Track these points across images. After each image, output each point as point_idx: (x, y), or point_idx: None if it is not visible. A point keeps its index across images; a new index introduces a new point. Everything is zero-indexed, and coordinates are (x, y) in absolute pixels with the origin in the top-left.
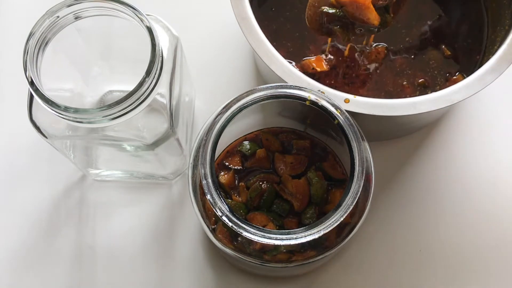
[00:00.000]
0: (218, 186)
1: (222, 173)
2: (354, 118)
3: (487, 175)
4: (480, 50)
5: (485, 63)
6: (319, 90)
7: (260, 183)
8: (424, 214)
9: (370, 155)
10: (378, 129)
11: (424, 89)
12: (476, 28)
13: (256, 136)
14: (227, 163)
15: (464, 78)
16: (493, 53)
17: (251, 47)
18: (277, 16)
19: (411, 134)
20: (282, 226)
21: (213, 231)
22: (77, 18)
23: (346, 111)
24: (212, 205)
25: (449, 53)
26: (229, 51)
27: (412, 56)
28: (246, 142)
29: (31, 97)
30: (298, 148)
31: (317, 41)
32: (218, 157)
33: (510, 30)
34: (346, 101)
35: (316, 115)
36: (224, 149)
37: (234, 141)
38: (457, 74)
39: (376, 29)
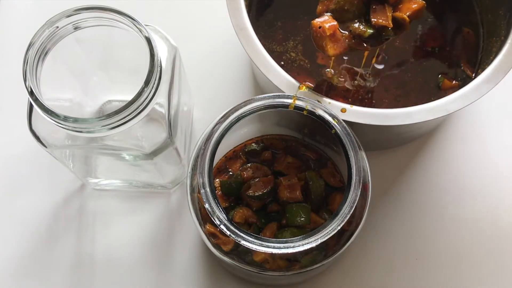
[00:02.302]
0: (216, 194)
1: (217, 180)
2: (351, 127)
3: (484, 183)
4: (475, 61)
5: (480, 73)
6: (316, 100)
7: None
8: (421, 223)
9: (367, 164)
10: (375, 139)
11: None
12: (472, 39)
13: (256, 142)
14: (227, 166)
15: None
16: (488, 63)
17: (249, 57)
18: (276, 26)
19: (408, 144)
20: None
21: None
22: (76, 28)
23: (343, 120)
24: (210, 214)
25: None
26: (227, 61)
27: (408, 68)
28: (253, 144)
29: (31, 106)
30: (297, 153)
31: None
32: (216, 164)
33: (506, 40)
34: (343, 110)
35: (313, 125)
36: (222, 156)
37: (232, 148)
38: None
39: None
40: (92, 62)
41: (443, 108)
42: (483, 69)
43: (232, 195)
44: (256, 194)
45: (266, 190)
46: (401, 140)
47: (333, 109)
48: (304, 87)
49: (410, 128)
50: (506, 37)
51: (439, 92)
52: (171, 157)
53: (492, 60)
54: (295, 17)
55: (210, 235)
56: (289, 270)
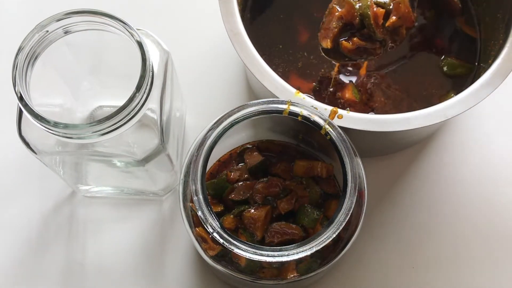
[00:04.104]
0: (208, 201)
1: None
2: (346, 133)
3: (482, 190)
4: (473, 66)
5: (478, 78)
6: (312, 106)
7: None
8: (417, 231)
9: (363, 171)
10: (371, 145)
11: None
12: (469, 43)
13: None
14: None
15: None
16: (487, 68)
17: (243, 63)
18: (270, 29)
19: (405, 150)
20: None
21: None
22: (66, 32)
23: (339, 126)
24: (203, 221)
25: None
26: (220, 66)
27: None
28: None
29: (20, 112)
30: (293, 158)
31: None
32: (209, 169)
33: (504, 44)
34: (340, 117)
35: (308, 131)
36: (216, 161)
37: (225, 153)
38: (449, 91)
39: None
40: (83, 67)
41: (442, 114)
42: (481, 74)
43: (217, 196)
44: (236, 199)
45: (244, 196)
46: (398, 147)
47: (328, 115)
48: (299, 93)
49: (407, 134)
50: (504, 40)
51: (438, 97)
52: (163, 164)
53: (490, 64)
54: (290, 19)
55: (200, 239)
56: (284, 278)
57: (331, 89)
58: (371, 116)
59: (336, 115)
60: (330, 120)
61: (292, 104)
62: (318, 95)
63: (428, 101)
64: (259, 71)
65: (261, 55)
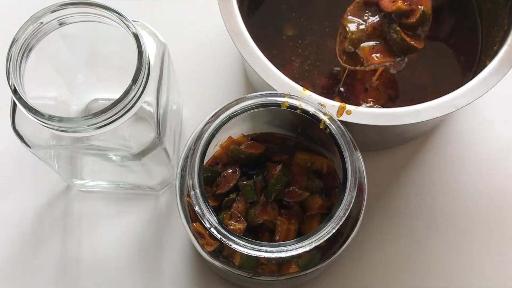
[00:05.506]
0: (206, 196)
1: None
2: (351, 128)
3: (483, 184)
4: (476, 53)
5: (481, 66)
6: (319, 103)
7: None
8: (418, 226)
9: (363, 165)
10: (374, 139)
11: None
12: (470, 30)
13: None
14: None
15: None
16: (492, 55)
17: (247, 62)
18: (269, 28)
19: (405, 144)
20: None
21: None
22: (61, 24)
23: (349, 122)
24: (200, 216)
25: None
26: (218, 58)
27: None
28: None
29: (14, 105)
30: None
31: (309, 52)
32: (206, 162)
33: (510, 29)
34: (348, 112)
35: (307, 124)
36: (212, 155)
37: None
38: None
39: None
40: (78, 59)
41: (451, 104)
42: (485, 61)
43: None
44: (218, 191)
45: (226, 188)
46: (399, 141)
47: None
48: (305, 90)
49: (414, 126)
50: (509, 26)
51: (440, 88)
52: (159, 158)
53: (496, 51)
54: (288, 13)
55: (198, 234)
56: (283, 274)
57: (342, 89)
58: (380, 110)
59: (345, 110)
60: (329, 113)
61: (291, 97)
62: (326, 93)
63: (436, 91)
64: (263, 70)
65: (263, 53)
